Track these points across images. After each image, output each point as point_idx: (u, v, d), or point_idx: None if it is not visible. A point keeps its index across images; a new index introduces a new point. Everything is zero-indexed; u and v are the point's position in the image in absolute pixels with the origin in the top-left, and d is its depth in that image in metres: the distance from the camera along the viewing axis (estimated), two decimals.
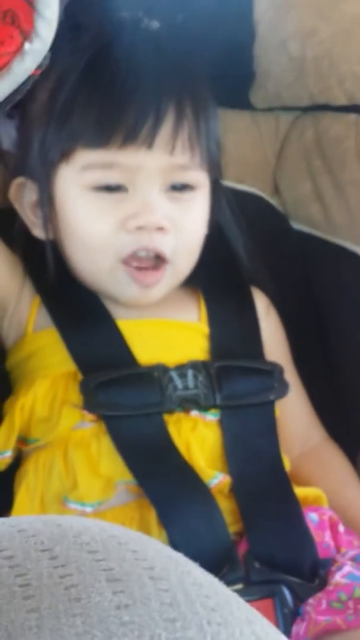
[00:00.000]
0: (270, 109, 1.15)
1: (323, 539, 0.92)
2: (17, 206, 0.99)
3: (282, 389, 0.99)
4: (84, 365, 0.94)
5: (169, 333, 0.99)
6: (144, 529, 0.88)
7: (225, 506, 0.90)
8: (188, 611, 0.38)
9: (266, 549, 0.88)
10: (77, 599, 0.37)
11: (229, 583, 0.74)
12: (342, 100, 1.09)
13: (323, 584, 0.87)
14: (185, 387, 0.94)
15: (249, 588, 0.85)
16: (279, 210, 1.16)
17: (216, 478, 0.91)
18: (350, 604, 0.84)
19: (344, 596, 0.85)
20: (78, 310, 0.98)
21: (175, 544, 0.85)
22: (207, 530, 0.88)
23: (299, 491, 0.95)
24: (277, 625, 0.84)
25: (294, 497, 0.93)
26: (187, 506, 0.88)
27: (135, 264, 0.94)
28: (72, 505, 0.89)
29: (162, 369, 0.94)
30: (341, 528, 0.94)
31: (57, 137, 0.93)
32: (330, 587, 0.86)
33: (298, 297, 1.13)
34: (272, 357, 1.02)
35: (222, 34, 1.09)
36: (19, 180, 0.98)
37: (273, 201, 1.16)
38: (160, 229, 0.93)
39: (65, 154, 0.93)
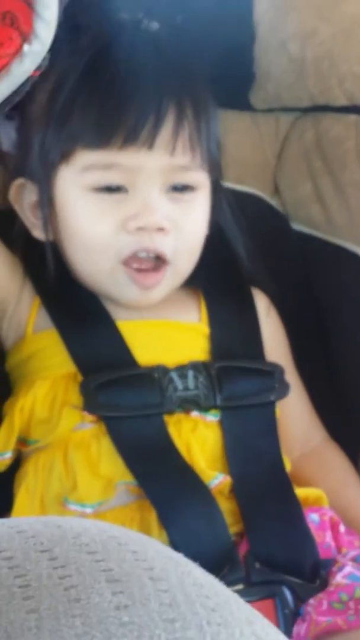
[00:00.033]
0: (270, 110, 1.15)
1: (324, 540, 0.92)
2: (17, 207, 0.99)
3: (283, 389, 0.99)
4: (84, 366, 0.93)
5: (169, 334, 0.99)
6: (144, 529, 0.87)
7: (226, 507, 0.90)
8: (188, 612, 0.38)
9: (267, 550, 0.88)
10: (76, 599, 0.37)
11: (229, 584, 0.75)
12: (343, 101, 1.09)
13: (324, 584, 0.87)
14: (186, 388, 0.94)
15: (250, 589, 0.85)
16: (279, 211, 1.16)
17: (216, 479, 0.91)
18: (351, 604, 0.84)
19: (344, 597, 0.85)
20: (78, 311, 0.98)
21: (175, 545, 0.85)
22: (208, 530, 0.88)
23: (300, 492, 0.94)
24: (277, 625, 0.84)
25: (295, 497, 0.93)
26: (187, 507, 0.88)
27: (135, 265, 0.94)
28: (72, 506, 0.89)
29: (163, 370, 0.94)
30: (342, 528, 0.94)
31: (57, 138, 0.93)
32: (331, 588, 0.86)
33: (298, 298, 1.13)
34: (273, 357, 1.02)
35: (222, 35, 1.09)
36: (19, 181, 0.98)
37: (273, 202, 1.16)
38: (161, 229, 0.93)
39: (65, 155, 0.93)
